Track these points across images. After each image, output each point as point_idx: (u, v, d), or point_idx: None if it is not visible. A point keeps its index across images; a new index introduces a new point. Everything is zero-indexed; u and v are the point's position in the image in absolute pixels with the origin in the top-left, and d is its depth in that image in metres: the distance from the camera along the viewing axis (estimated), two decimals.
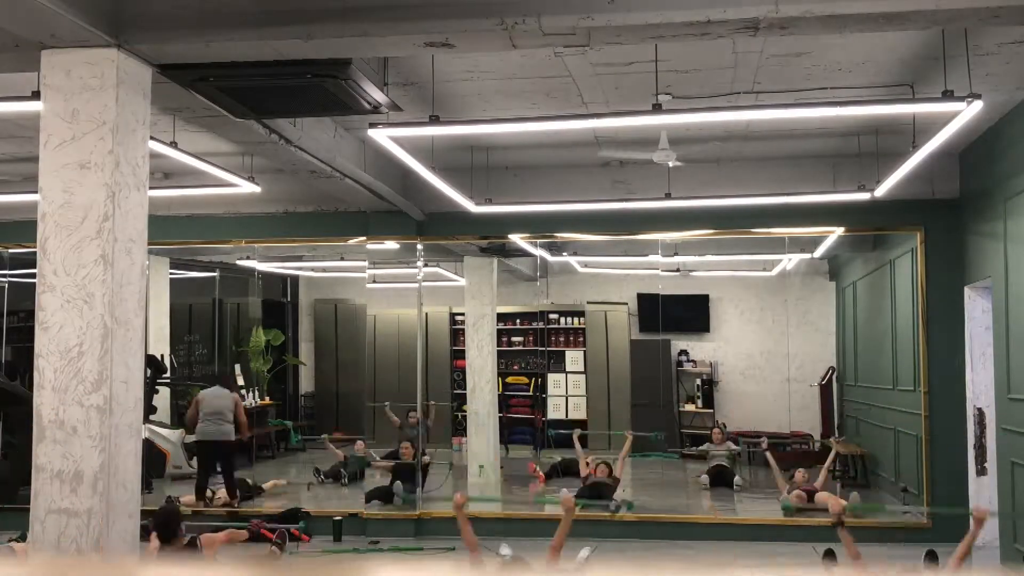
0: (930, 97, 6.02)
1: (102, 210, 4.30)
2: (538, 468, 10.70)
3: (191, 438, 9.91)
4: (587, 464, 9.44)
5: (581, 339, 12.30)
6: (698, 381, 11.80)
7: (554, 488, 9.68)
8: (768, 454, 9.58)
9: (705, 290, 11.80)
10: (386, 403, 10.76)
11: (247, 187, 7.77)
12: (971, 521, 5.27)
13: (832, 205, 8.40)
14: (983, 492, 8.10)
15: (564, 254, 11.31)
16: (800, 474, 9.26)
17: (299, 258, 12.09)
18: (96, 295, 4.28)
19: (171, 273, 11.33)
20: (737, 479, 10.15)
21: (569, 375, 12.33)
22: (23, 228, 7.99)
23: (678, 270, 10.86)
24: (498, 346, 11.33)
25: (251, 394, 12.27)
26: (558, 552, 5.11)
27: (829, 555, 7.05)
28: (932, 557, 6.91)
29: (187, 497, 9.21)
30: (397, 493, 9.24)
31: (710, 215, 8.75)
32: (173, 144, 6.59)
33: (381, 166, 7.84)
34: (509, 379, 12.25)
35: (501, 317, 11.64)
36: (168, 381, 11.14)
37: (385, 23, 4.33)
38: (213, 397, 9.60)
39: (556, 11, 4.17)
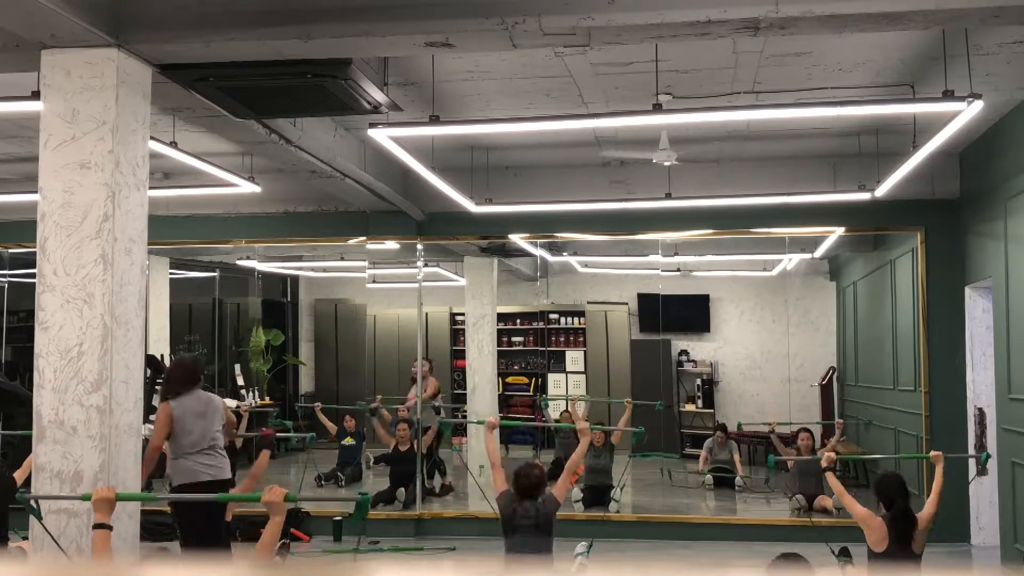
0: (930, 97, 6.03)
1: (102, 210, 4.30)
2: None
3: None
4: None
5: (581, 339, 12.29)
6: (698, 381, 11.79)
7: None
8: (772, 436, 9.64)
9: (705, 290, 11.79)
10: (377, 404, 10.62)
11: (247, 187, 7.77)
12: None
13: (832, 205, 8.40)
14: (983, 492, 8.10)
15: (564, 254, 11.31)
16: (804, 438, 9.25)
17: (299, 258, 12.08)
18: (96, 295, 4.28)
19: (171, 273, 11.33)
20: (738, 480, 10.15)
21: (569, 375, 12.32)
22: (23, 228, 7.99)
23: (678, 270, 10.85)
24: (498, 346, 11.33)
25: (251, 394, 12.26)
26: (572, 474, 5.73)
27: (844, 553, 6.93)
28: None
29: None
30: (399, 499, 9.24)
31: (710, 215, 8.75)
32: (173, 144, 6.58)
33: (381, 166, 7.84)
34: (509, 379, 12.24)
35: (501, 317, 11.64)
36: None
37: (385, 23, 4.33)
38: None
39: (556, 11, 4.17)
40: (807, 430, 9.40)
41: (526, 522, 5.27)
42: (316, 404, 11.26)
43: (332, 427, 10.79)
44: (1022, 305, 6.88)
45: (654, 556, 7.65)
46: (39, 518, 4.11)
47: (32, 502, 4.12)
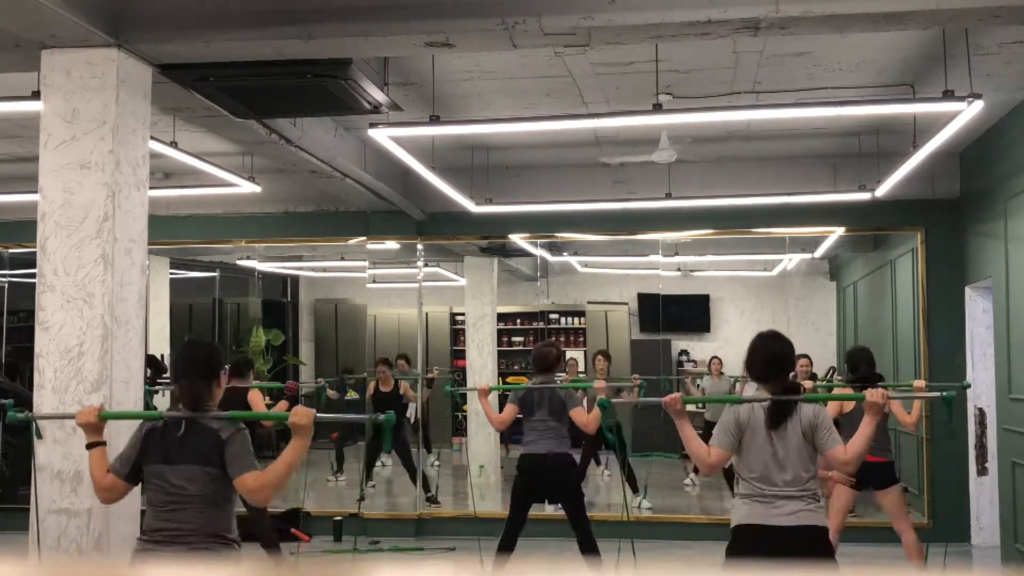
0: (930, 97, 6.02)
1: (102, 210, 4.30)
2: None
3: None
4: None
5: (581, 339, 12.28)
6: (699, 381, 11.77)
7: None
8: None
9: (705, 290, 11.78)
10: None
11: (247, 187, 7.77)
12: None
13: (832, 205, 8.39)
14: (984, 492, 8.10)
15: (564, 254, 11.30)
16: (802, 363, 9.01)
17: (299, 258, 12.07)
18: (96, 295, 4.28)
19: (171, 273, 11.32)
20: (686, 480, 10.12)
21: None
22: (23, 228, 7.99)
23: (679, 270, 10.85)
24: (498, 346, 11.33)
25: None
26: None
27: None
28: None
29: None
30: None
31: (710, 215, 8.75)
32: (173, 144, 6.59)
33: (381, 166, 7.84)
34: (509, 379, 12.23)
35: (501, 317, 11.63)
36: (168, 381, 11.12)
37: (385, 23, 4.33)
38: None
39: (556, 11, 4.17)
40: (805, 355, 8.78)
41: (542, 410, 6.18)
42: (323, 383, 11.27)
43: (335, 395, 10.82)
44: (1022, 305, 6.88)
45: (654, 556, 7.65)
46: (39, 436, 4.07)
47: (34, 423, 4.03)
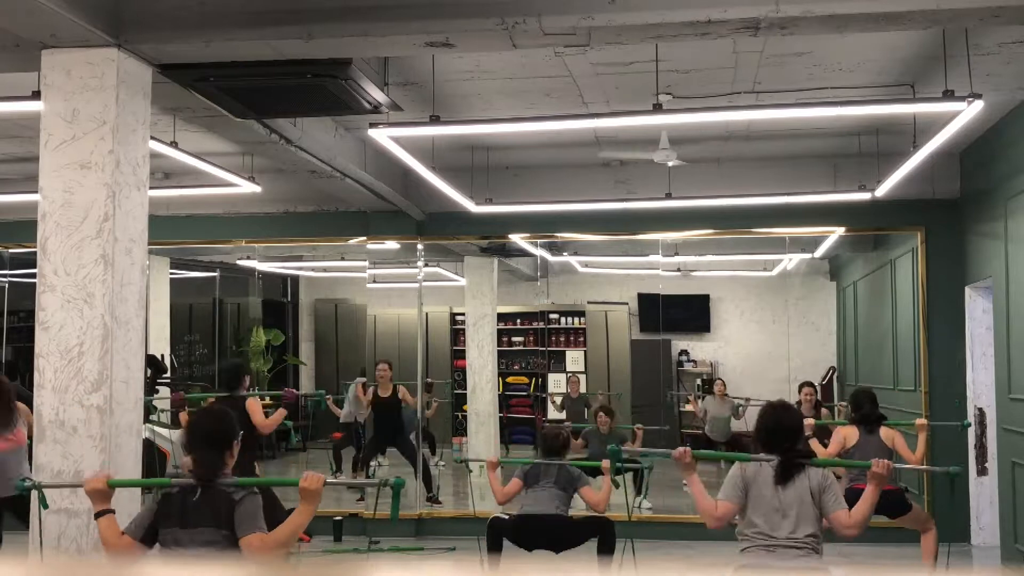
0: (930, 97, 6.02)
1: (102, 210, 4.30)
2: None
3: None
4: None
5: (581, 339, 12.28)
6: (698, 381, 11.78)
7: None
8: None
9: (706, 290, 11.78)
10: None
11: (247, 187, 7.77)
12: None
13: (833, 205, 8.39)
14: (984, 492, 8.10)
15: (564, 254, 11.30)
16: (806, 392, 8.91)
17: (299, 258, 12.08)
18: (96, 295, 4.28)
19: (171, 273, 11.32)
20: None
21: (569, 375, 12.31)
22: (23, 228, 7.99)
23: (679, 270, 10.85)
24: (498, 346, 11.33)
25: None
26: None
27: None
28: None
29: None
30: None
31: (710, 215, 8.75)
32: (173, 144, 6.58)
33: (381, 166, 7.84)
34: (509, 379, 12.24)
35: (501, 317, 11.64)
36: (168, 381, 11.13)
37: (385, 23, 4.33)
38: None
39: (556, 11, 4.17)
40: (810, 384, 8.88)
41: (548, 479, 5.96)
42: (328, 396, 11.12)
43: (340, 412, 10.74)
44: (1022, 305, 6.88)
45: (654, 556, 7.65)
46: (45, 506, 4.07)
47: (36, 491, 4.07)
